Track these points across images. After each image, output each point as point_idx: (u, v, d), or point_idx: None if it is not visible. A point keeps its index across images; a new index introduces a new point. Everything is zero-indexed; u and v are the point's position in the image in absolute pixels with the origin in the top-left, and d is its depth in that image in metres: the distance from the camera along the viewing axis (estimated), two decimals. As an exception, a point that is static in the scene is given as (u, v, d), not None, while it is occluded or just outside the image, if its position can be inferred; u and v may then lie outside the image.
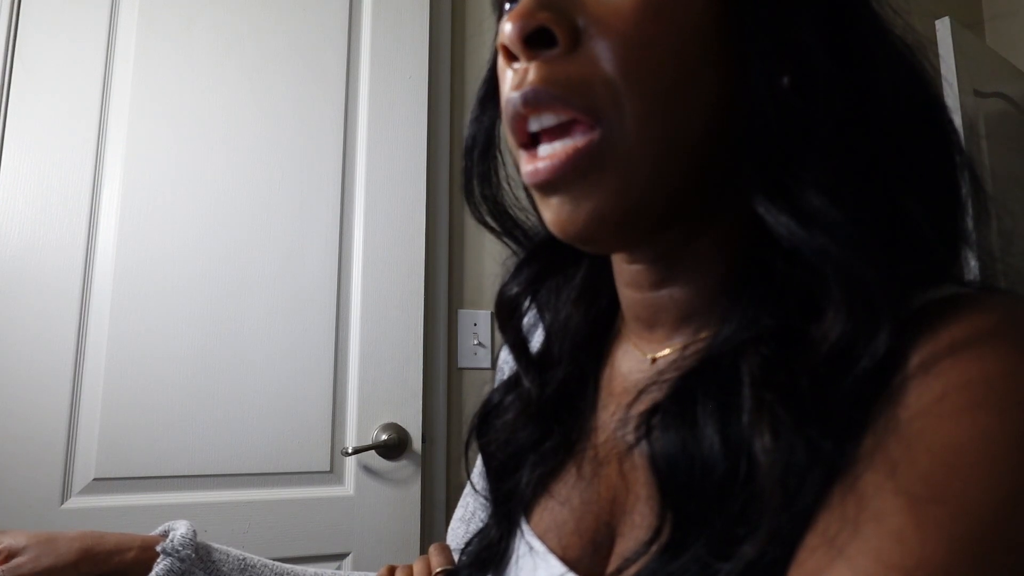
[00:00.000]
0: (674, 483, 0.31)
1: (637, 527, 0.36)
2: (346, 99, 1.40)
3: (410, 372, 1.36)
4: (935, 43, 1.73)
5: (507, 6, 0.39)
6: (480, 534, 0.46)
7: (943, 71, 1.72)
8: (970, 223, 0.34)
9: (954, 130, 0.35)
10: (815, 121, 0.31)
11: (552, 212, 0.35)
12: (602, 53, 0.32)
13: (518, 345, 0.46)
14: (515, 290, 0.46)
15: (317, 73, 1.38)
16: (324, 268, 1.33)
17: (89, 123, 1.24)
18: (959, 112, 1.65)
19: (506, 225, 0.46)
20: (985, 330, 0.27)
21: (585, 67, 0.32)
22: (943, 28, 1.73)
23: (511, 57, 0.34)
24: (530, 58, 0.33)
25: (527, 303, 0.47)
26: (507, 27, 0.33)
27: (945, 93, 1.70)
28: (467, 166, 0.45)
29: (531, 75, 0.33)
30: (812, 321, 0.30)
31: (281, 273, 1.30)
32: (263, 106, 1.34)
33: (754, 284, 0.33)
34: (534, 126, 0.34)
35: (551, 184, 0.34)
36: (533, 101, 0.33)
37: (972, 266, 0.34)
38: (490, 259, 1.48)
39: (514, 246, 0.47)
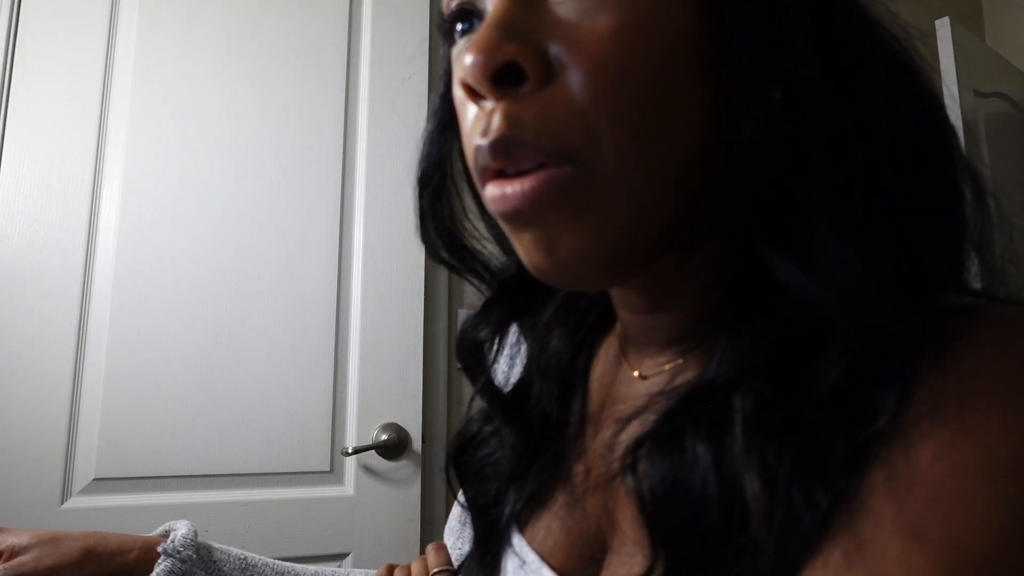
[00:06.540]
0: (663, 523, 0.29)
1: (626, 564, 0.34)
2: (346, 99, 1.40)
3: (410, 372, 1.36)
4: (935, 43, 1.73)
5: (459, 27, 0.34)
6: (469, 556, 0.45)
7: (943, 71, 1.72)
8: (973, 233, 0.32)
9: (954, 135, 0.33)
10: (812, 140, 0.28)
11: (527, 251, 0.31)
12: (575, 84, 0.28)
13: (490, 394, 0.43)
14: (482, 334, 0.42)
15: (317, 73, 1.38)
16: (324, 268, 1.33)
17: (89, 123, 1.24)
18: (959, 112, 1.65)
19: (466, 260, 0.42)
20: (996, 370, 0.24)
21: (558, 104, 0.28)
22: (943, 28, 1.73)
23: (476, 95, 0.30)
24: (498, 98, 0.29)
25: (495, 347, 0.43)
26: (468, 60, 0.28)
27: (945, 93, 1.70)
28: (420, 205, 0.41)
29: (497, 119, 0.29)
30: (812, 355, 0.26)
31: (281, 273, 1.30)
32: (263, 106, 1.34)
33: (750, 311, 0.30)
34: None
35: (521, 215, 0.30)
36: (504, 152, 0.29)
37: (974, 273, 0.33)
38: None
39: (477, 282, 0.43)
